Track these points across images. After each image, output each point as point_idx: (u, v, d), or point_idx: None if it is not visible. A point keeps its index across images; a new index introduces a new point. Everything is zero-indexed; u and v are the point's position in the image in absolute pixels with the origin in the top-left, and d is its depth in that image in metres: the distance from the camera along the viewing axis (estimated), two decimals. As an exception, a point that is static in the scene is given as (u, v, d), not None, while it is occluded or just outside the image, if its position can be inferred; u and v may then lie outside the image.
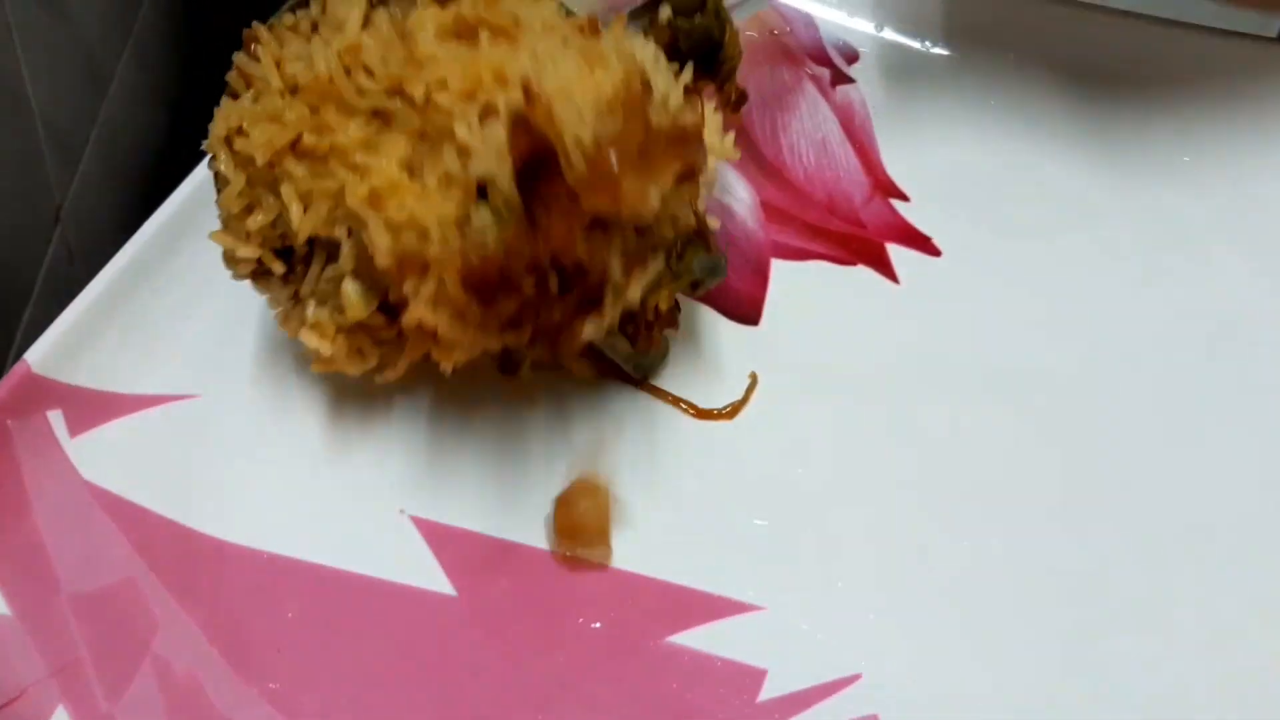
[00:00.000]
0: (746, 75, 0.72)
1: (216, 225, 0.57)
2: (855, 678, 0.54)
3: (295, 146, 0.51)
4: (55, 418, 0.56)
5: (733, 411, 0.61)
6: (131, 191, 1.00)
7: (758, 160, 0.71)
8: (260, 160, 0.52)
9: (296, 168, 0.51)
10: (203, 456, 0.57)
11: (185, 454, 0.57)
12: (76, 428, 0.56)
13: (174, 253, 0.61)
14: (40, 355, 0.56)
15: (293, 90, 0.53)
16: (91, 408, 0.57)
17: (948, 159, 0.70)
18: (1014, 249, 0.67)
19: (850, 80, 0.72)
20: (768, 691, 0.53)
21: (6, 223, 0.74)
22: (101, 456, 0.56)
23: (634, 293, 0.51)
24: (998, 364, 0.63)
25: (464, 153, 0.48)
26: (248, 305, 0.61)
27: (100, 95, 0.92)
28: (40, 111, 0.79)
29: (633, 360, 0.60)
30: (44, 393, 0.55)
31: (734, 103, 0.59)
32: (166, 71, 1.10)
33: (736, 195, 0.69)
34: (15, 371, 0.55)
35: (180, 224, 0.61)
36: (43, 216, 0.81)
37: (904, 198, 0.69)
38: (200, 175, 0.63)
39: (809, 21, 0.74)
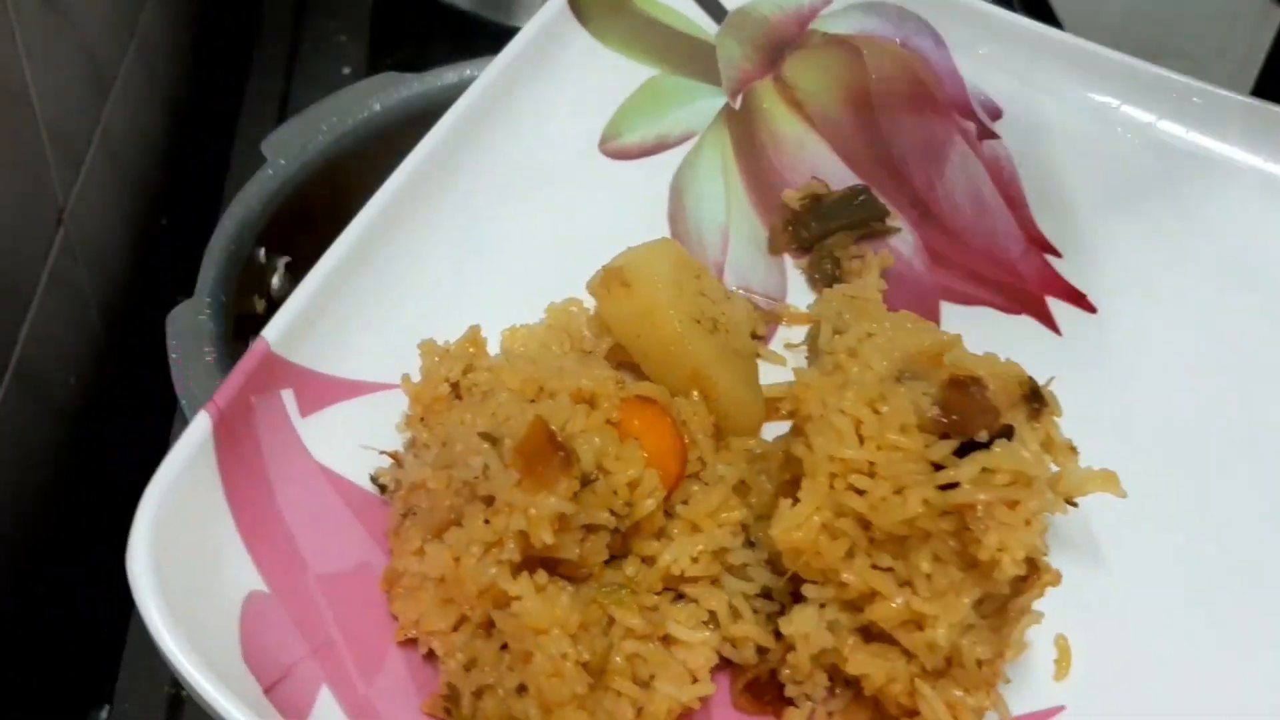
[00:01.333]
0: (901, 121, 0.72)
1: (426, 213, 0.58)
2: (1059, 709, 0.53)
3: None
4: (288, 397, 0.54)
5: None
6: (135, 193, 1.00)
7: (917, 205, 0.71)
8: None
9: None
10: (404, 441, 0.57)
11: (396, 443, 0.57)
12: (306, 408, 0.55)
13: (385, 242, 0.59)
14: (277, 334, 0.53)
15: None
16: (317, 389, 0.56)
17: (1095, 216, 0.70)
18: (1166, 308, 0.66)
19: (995, 136, 0.72)
20: None
21: (10, 224, 0.73)
22: (328, 439, 0.55)
23: None
24: (1160, 420, 0.63)
25: None
26: (448, 300, 0.60)
27: (103, 97, 0.90)
28: (43, 113, 0.77)
29: None
30: (280, 371, 0.54)
31: None
32: (170, 73, 1.10)
33: (901, 236, 0.70)
34: (256, 349, 0.52)
35: (390, 215, 0.60)
36: (46, 218, 0.79)
37: (1057, 253, 0.69)
38: (412, 165, 0.60)
39: (954, 74, 0.73)
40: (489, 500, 0.49)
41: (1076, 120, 0.70)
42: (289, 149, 0.73)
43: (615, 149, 0.67)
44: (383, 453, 0.55)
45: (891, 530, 0.48)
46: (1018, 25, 0.72)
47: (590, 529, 0.49)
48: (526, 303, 0.61)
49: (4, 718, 0.75)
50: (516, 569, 0.48)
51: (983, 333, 0.61)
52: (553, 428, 0.49)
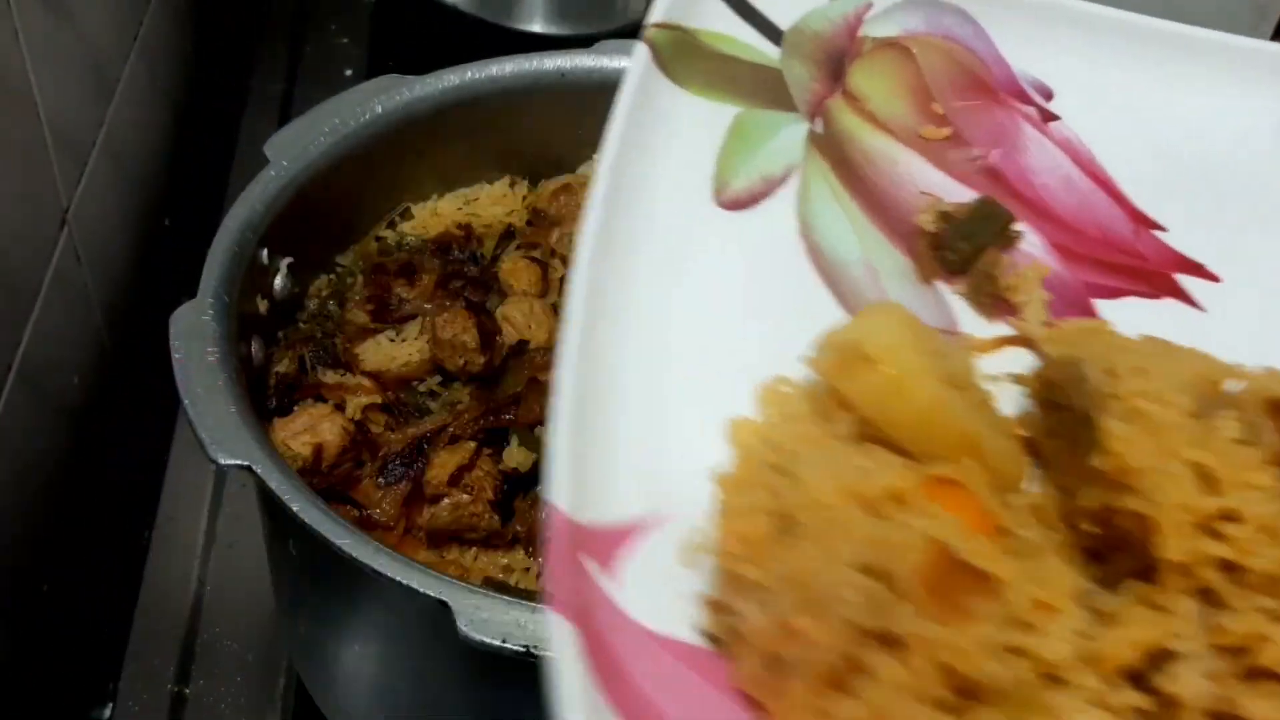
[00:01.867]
0: (971, 118, 0.71)
1: (605, 329, 0.55)
2: None
3: None
4: (588, 563, 0.51)
5: None
6: (138, 194, 0.99)
7: (1025, 201, 0.69)
8: None
9: None
10: (696, 576, 0.53)
11: (692, 577, 0.53)
12: (605, 569, 0.51)
13: (587, 372, 0.55)
14: (568, 500, 0.50)
15: None
16: (604, 546, 0.52)
17: (1182, 183, 0.68)
18: None
19: (1056, 117, 0.70)
20: None
21: (14, 225, 0.73)
22: (635, 597, 0.51)
23: None
24: None
25: None
26: (658, 409, 0.57)
27: (106, 99, 0.90)
28: (47, 115, 0.78)
29: None
30: (575, 538, 0.50)
31: None
32: (172, 75, 1.10)
33: (1027, 239, 0.67)
34: (557, 525, 0.49)
35: (582, 341, 0.55)
36: (49, 219, 0.79)
37: (1162, 228, 0.67)
38: (580, 284, 0.56)
39: (1000, 60, 0.72)
40: (888, 638, 0.46)
41: (1131, 90, 0.70)
42: (291, 150, 0.73)
43: (730, 200, 0.65)
44: (705, 600, 0.51)
45: (1272, 572, 0.47)
46: (1052, 4, 0.70)
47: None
48: (727, 389, 0.57)
49: (7, 716, 0.75)
50: (948, 707, 0.46)
51: (1138, 320, 0.60)
52: (952, 548, 0.46)
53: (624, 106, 0.62)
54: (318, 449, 0.66)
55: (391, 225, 0.79)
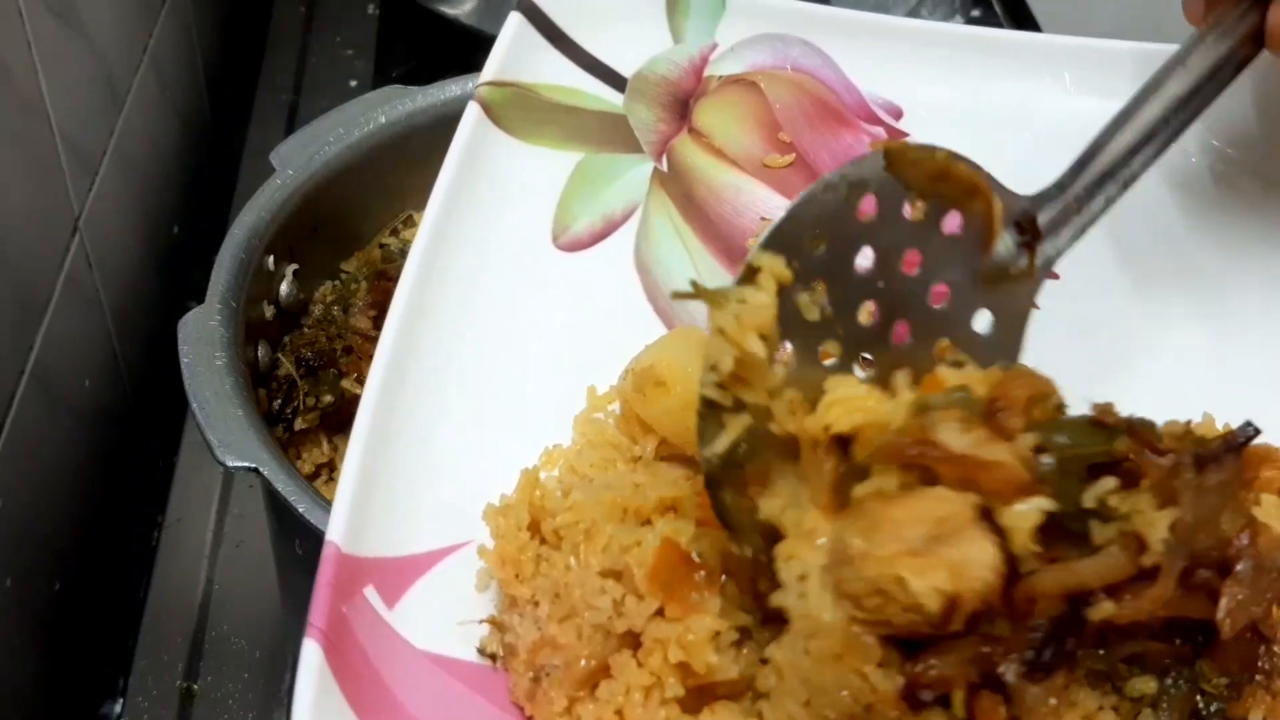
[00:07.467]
0: (818, 144, 0.71)
1: (420, 368, 0.55)
2: None
3: None
4: (371, 594, 0.52)
5: None
6: (148, 202, 1.00)
7: None
8: None
9: None
10: (492, 599, 0.55)
11: (483, 600, 0.55)
12: (390, 599, 0.53)
13: (395, 409, 0.56)
14: (341, 533, 0.51)
15: None
16: (392, 577, 0.53)
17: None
18: (1137, 269, 0.66)
19: (905, 134, 0.71)
20: None
21: (26, 233, 0.75)
22: (420, 623, 0.53)
23: None
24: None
25: None
26: (472, 443, 0.57)
27: (117, 109, 0.91)
28: (58, 124, 0.79)
29: None
30: (356, 571, 0.52)
31: None
32: (181, 86, 1.12)
33: None
34: (328, 555, 0.50)
35: (391, 381, 0.56)
36: (61, 226, 0.80)
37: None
38: (393, 326, 0.56)
39: (849, 85, 0.72)
40: (630, 638, 0.47)
41: (979, 103, 0.71)
42: (297, 159, 0.74)
43: (569, 242, 0.66)
44: (483, 621, 0.53)
45: None
46: (896, 25, 0.72)
47: (738, 642, 0.48)
48: (550, 422, 0.59)
49: (19, 711, 0.76)
50: (686, 706, 0.47)
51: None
52: (682, 544, 0.48)
53: (453, 160, 0.61)
54: (951, 603, 0.39)
55: (395, 233, 0.80)
